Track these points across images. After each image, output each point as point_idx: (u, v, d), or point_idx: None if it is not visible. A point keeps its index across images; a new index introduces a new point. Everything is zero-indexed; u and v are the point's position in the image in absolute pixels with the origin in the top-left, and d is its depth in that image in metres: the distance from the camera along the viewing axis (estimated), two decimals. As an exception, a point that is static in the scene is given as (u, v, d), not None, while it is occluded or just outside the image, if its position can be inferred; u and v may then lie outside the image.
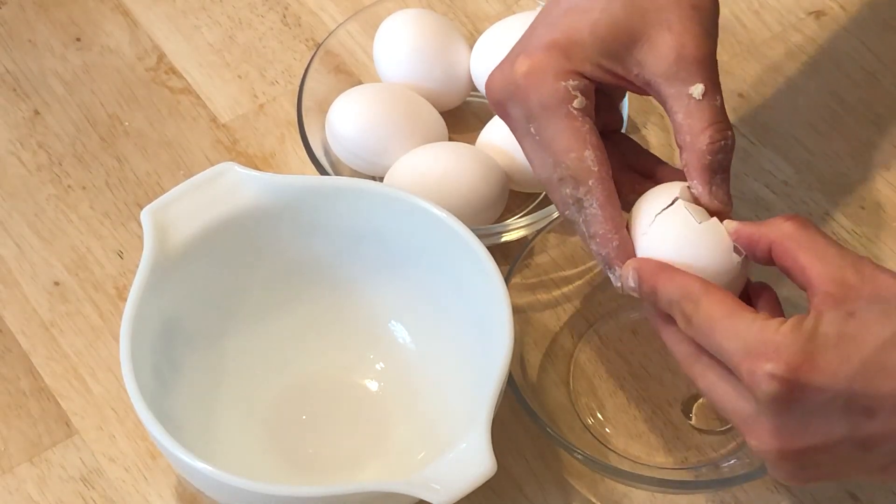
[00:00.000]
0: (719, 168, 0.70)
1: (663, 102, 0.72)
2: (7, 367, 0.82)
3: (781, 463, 0.64)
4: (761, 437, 0.64)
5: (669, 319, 0.68)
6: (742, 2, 0.95)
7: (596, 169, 0.70)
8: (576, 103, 0.70)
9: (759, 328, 0.63)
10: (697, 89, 0.70)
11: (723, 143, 0.70)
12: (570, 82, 0.70)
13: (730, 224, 0.69)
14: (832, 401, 0.62)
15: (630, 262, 0.69)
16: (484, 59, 0.87)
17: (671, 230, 0.69)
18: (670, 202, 0.70)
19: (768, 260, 0.68)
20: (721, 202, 0.70)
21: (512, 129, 0.74)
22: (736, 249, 0.69)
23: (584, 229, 0.71)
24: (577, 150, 0.70)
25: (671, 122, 0.71)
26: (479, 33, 0.89)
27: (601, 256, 0.71)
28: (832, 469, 0.64)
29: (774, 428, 0.63)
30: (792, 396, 0.62)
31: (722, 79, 0.91)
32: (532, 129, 0.71)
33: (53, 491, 0.78)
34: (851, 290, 0.64)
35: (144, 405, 0.70)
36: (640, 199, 0.72)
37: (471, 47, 0.88)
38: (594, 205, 0.70)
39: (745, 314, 0.64)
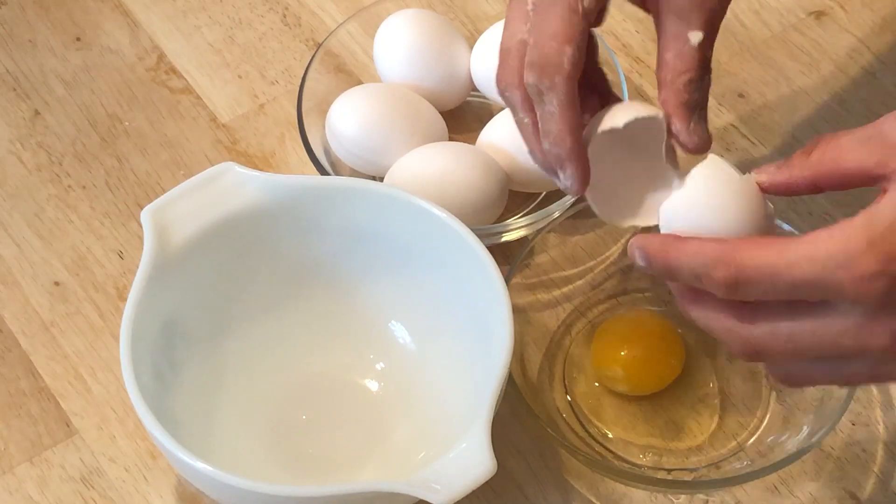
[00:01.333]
0: (696, 105, 0.70)
1: (660, 34, 0.71)
2: (7, 367, 0.82)
3: None
4: (889, 333, 0.60)
5: (698, 294, 0.64)
6: (742, 2, 0.95)
7: (567, 68, 0.68)
8: (586, 1, 0.68)
9: (826, 242, 0.60)
10: (696, 37, 0.70)
11: (699, 82, 0.69)
12: None
13: (757, 176, 0.66)
14: None
15: (634, 241, 0.66)
16: (484, 59, 0.87)
17: (714, 184, 0.66)
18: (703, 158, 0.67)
19: (814, 190, 0.65)
20: (700, 139, 0.69)
21: None
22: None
23: (543, 125, 0.69)
24: (559, 43, 0.68)
25: (658, 55, 0.71)
26: (479, 33, 0.89)
27: (553, 156, 0.69)
28: None
29: None
30: None
31: (722, 79, 0.92)
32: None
33: (53, 491, 0.78)
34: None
35: (144, 405, 0.70)
36: (601, 113, 0.70)
37: (471, 47, 0.88)
38: (554, 102, 0.68)
39: (796, 243, 0.61)
